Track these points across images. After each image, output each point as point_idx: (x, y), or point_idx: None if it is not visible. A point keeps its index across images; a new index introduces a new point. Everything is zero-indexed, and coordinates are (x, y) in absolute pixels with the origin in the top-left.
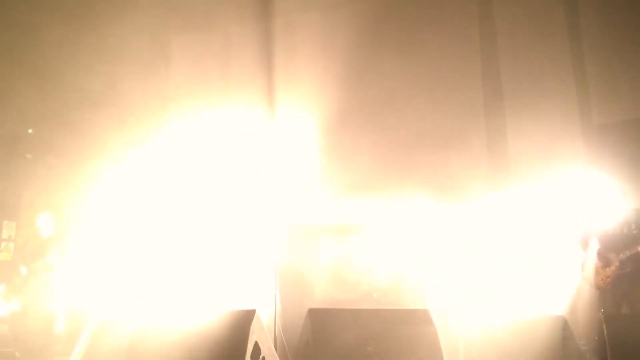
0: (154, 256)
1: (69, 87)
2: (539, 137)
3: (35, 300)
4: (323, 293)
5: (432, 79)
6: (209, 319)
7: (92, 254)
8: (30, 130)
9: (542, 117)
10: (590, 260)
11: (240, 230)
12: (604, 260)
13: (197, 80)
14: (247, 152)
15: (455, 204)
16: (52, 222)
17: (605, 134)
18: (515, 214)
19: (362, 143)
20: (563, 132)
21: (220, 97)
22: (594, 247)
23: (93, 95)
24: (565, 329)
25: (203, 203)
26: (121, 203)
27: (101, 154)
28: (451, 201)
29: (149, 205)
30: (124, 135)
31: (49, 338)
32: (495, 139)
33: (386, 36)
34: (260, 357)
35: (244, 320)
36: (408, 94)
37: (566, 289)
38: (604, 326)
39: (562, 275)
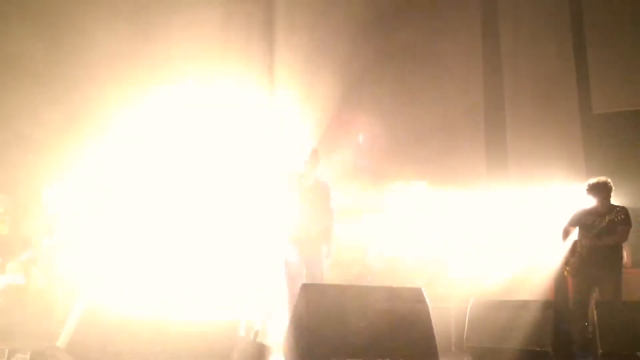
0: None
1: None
2: (537, 125)
3: (38, 274)
4: None
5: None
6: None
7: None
8: None
9: (541, 105)
10: (564, 250)
11: (236, 210)
12: (573, 249)
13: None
14: (244, 130)
15: (451, 191)
16: (59, 197)
17: (603, 124)
18: (510, 201)
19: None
20: (562, 121)
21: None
22: (571, 238)
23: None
24: (555, 313)
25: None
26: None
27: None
28: (447, 188)
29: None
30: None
31: (46, 311)
32: (494, 127)
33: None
34: (254, 331)
35: None
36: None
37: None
38: (595, 312)
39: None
